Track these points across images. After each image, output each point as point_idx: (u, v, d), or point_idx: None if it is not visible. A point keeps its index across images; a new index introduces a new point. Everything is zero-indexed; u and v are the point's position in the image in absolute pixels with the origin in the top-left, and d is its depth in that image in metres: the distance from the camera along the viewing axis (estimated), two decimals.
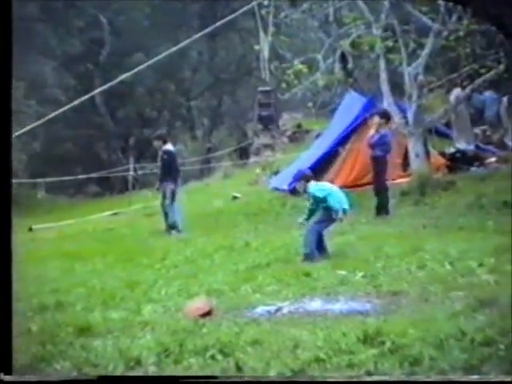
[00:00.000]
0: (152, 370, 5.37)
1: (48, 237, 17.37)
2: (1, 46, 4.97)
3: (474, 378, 4.76)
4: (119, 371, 5.39)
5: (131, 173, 29.90)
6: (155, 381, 5.36)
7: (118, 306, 7.86)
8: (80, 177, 32.07)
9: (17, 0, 30.55)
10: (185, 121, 46.96)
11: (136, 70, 9.96)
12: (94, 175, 32.33)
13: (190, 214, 16.23)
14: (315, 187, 10.27)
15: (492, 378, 4.77)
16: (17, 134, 11.74)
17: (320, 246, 10.04)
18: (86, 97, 9.44)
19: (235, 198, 21.04)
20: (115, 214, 22.65)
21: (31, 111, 29.20)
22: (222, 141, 44.31)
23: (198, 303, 7.30)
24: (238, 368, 5.26)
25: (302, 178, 10.47)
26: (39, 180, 30.78)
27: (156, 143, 15.76)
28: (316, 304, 7.19)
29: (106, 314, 7.34)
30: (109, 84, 9.96)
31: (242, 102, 45.16)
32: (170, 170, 15.36)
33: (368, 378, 4.92)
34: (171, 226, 15.16)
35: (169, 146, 15.60)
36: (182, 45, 10.97)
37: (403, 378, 4.88)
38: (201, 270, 9.84)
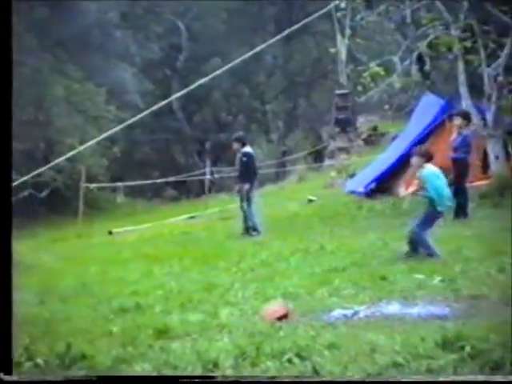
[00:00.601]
0: (229, 373, 5.41)
1: (127, 240, 17.65)
2: (1, 46, 5.02)
3: None
4: (197, 374, 5.44)
5: (208, 176, 30.14)
6: (155, 380, 5.37)
7: (195, 308, 7.93)
8: (158, 181, 32.55)
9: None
10: (260, 124, 47.17)
11: (212, 75, 10.03)
12: (171, 179, 32.73)
13: (265, 217, 16.25)
14: (432, 172, 9.88)
15: None
16: (97, 139, 12.02)
17: (416, 246, 9.91)
18: (165, 102, 9.56)
19: (311, 201, 21.02)
20: (192, 217, 22.85)
21: (111, 116, 29.76)
22: (297, 144, 44.36)
23: (275, 306, 7.30)
24: (316, 372, 5.24)
25: (424, 154, 9.93)
26: (119, 184, 31.33)
27: (235, 145, 15.72)
28: (393, 308, 7.12)
29: (184, 317, 7.40)
30: (187, 89, 10.05)
31: (317, 105, 45.10)
32: (248, 172, 15.40)
33: (443, 378, 4.85)
34: (251, 228, 15.25)
35: (248, 148, 15.62)
36: (257, 49, 10.99)
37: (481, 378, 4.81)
38: (277, 273, 9.82)
